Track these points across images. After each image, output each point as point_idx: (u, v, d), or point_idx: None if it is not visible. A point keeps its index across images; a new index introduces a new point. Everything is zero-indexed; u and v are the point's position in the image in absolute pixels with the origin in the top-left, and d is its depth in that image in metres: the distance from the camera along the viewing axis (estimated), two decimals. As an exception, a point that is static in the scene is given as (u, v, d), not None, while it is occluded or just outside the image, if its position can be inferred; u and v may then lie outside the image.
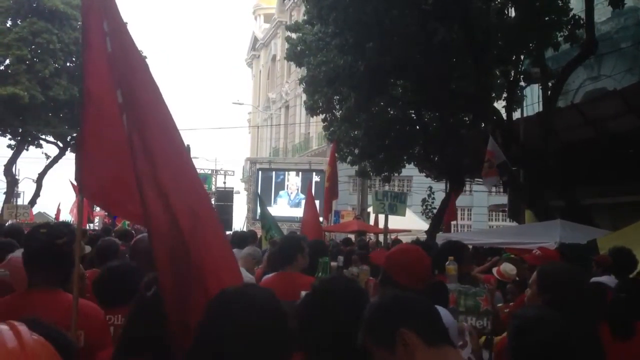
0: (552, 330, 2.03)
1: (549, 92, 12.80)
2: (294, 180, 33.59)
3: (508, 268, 5.93)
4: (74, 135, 29.67)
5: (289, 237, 6.30)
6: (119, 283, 3.42)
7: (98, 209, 27.31)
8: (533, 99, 16.78)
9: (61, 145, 30.24)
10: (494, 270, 6.11)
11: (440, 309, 2.82)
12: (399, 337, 1.85)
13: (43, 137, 29.96)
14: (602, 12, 14.60)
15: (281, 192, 33.57)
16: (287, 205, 32.93)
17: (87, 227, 17.16)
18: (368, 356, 1.94)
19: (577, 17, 12.59)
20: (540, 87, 14.14)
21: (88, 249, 5.77)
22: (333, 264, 5.88)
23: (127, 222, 22.42)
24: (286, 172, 34.18)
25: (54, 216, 27.68)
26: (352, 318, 2.15)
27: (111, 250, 5.41)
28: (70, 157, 30.96)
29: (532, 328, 2.04)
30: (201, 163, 39.57)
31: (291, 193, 33.43)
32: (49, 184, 52.66)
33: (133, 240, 5.41)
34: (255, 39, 57.54)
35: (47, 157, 30.78)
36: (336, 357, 2.07)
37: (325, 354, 2.06)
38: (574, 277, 2.92)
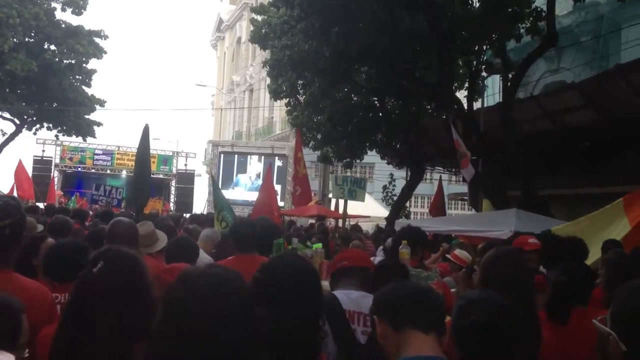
0: (492, 311, 2.09)
1: (509, 83, 12.94)
2: (255, 165, 33.37)
3: (462, 254, 6.00)
4: (31, 112, 28.95)
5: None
6: (67, 260, 3.34)
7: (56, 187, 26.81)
8: (494, 90, 17.01)
9: (18, 122, 29.52)
10: (450, 255, 6.18)
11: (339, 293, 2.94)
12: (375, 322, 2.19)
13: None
14: (564, 5, 14.82)
15: (242, 176, 33.32)
16: (247, 189, 32.68)
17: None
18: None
19: (539, 9, 12.74)
20: (501, 78, 14.29)
21: (40, 227, 5.65)
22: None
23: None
24: (248, 156, 33.89)
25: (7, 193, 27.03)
26: (296, 294, 2.17)
27: (63, 228, 5.32)
28: (27, 135, 30.31)
29: (472, 309, 2.09)
30: (163, 144, 39.11)
31: (252, 177, 33.21)
32: (5, 161, 51.44)
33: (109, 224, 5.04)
34: (220, 20, 56.83)
35: (3, 133, 30.04)
36: (283, 332, 2.07)
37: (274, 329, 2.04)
38: (511, 261, 3.02)
